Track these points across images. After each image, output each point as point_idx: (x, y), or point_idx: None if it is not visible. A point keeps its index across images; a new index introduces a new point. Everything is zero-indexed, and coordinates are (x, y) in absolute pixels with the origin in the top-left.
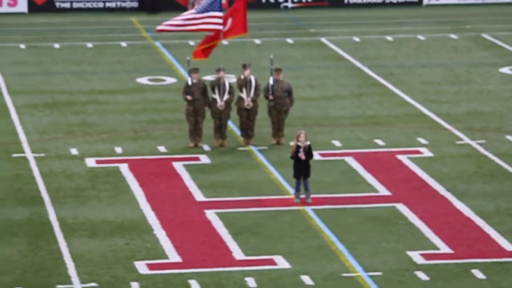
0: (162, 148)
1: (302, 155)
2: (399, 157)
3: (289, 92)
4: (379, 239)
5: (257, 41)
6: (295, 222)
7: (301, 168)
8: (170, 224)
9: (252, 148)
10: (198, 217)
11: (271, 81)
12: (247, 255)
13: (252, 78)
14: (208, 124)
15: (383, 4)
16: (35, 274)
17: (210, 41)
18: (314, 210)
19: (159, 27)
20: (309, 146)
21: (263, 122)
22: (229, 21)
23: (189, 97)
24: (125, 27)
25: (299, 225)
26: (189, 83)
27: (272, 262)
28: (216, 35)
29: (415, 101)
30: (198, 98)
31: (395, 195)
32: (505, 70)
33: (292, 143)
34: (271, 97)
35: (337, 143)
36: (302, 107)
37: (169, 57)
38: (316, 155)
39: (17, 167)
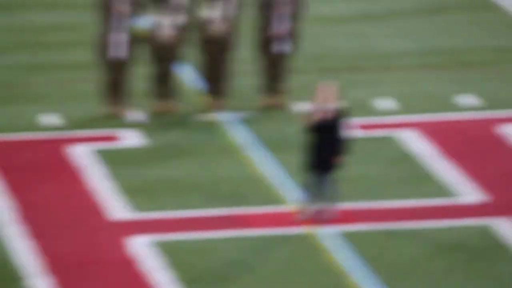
0: (52, 118)
1: (325, 115)
2: (503, 128)
3: (297, 9)
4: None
5: None
6: (302, 259)
7: (324, 153)
8: (63, 265)
9: (225, 116)
10: (118, 252)
11: None
12: None
13: None
14: (142, 72)
15: None
16: None
17: None
18: (339, 234)
19: None
20: (341, 111)
21: (246, 67)
22: None
23: (121, 7)
24: None
25: (310, 266)
26: None
27: None
28: None
29: None
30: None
31: (494, 203)
32: None
33: (309, 107)
34: (281, 29)
35: (388, 103)
36: (321, 37)
37: None
38: (350, 129)
39: None
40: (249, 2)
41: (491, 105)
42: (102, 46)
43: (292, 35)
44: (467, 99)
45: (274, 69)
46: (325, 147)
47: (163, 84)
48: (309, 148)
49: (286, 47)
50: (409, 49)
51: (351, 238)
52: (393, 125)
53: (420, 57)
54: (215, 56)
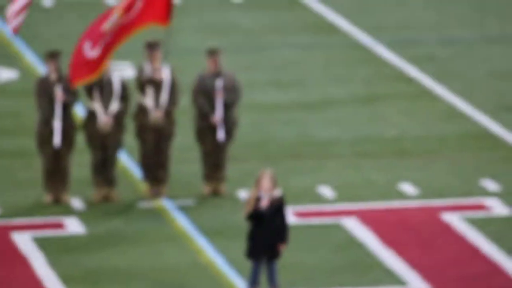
0: None
1: (264, 202)
2: (446, 216)
3: (232, 97)
4: None
5: None
6: None
7: (264, 241)
8: None
9: (165, 203)
10: None
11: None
12: None
13: (166, 70)
14: (81, 159)
15: None
16: None
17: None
18: None
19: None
20: (280, 199)
21: (186, 154)
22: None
23: (59, 95)
24: None
25: None
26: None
27: None
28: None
29: (477, 109)
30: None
31: None
32: None
33: (248, 194)
34: (216, 117)
35: (327, 191)
36: (261, 124)
37: (4, 31)
38: (289, 217)
39: None
40: (186, 90)
41: (429, 194)
42: (40, 134)
43: (229, 123)
44: (405, 187)
45: (213, 157)
46: (266, 234)
47: (103, 171)
48: (250, 236)
49: (223, 135)
50: (346, 137)
51: None
52: (333, 213)
53: (357, 145)
54: (153, 143)
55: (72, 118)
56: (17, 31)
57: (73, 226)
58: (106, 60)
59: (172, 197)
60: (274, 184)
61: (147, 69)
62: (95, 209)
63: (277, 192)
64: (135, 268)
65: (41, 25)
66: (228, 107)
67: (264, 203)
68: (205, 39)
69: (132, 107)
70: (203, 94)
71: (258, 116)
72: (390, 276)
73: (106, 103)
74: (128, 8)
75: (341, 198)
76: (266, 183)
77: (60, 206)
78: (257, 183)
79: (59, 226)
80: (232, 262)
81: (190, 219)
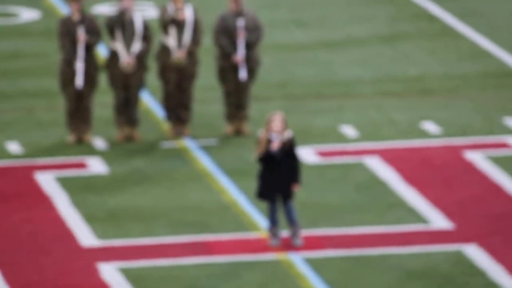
0: (14, 146)
1: (275, 144)
2: (469, 155)
3: (254, 37)
4: None
5: None
6: (271, 286)
7: (276, 180)
8: None
9: (187, 143)
10: (86, 279)
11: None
12: None
13: (189, 10)
14: (103, 100)
15: None
16: None
17: None
18: (308, 260)
19: None
20: (291, 140)
21: (208, 94)
22: None
23: (81, 35)
24: None
25: None
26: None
27: None
28: None
29: (500, 47)
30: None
31: (461, 229)
32: None
33: (260, 134)
34: (238, 56)
35: (350, 130)
36: (284, 64)
37: None
38: (308, 156)
39: None
40: (208, 30)
41: (451, 132)
42: (62, 74)
43: (251, 62)
44: (428, 126)
45: (236, 97)
46: (277, 176)
47: (125, 112)
48: (260, 177)
49: (245, 75)
50: (369, 76)
51: (320, 265)
52: (356, 152)
53: (380, 85)
54: (175, 83)
55: (94, 59)
56: None
57: (96, 165)
58: None
59: (194, 136)
60: (285, 125)
61: (170, 9)
62: (118, 149)
63: (288, 134)
64: (158, 207)
65: None
66: (250, 46)
67: (275, 145)
68: None
69: (154, 47)
70: (225, 33)
71: (280, 56)
72: (413, 214)
73: (128, 43)
74: None
75: (363, 137)
76: (276, 124)
77: (82, 146)
78: (267, 125)
79: (82, 165)
80: (254, 201)
81: (213, 159)
